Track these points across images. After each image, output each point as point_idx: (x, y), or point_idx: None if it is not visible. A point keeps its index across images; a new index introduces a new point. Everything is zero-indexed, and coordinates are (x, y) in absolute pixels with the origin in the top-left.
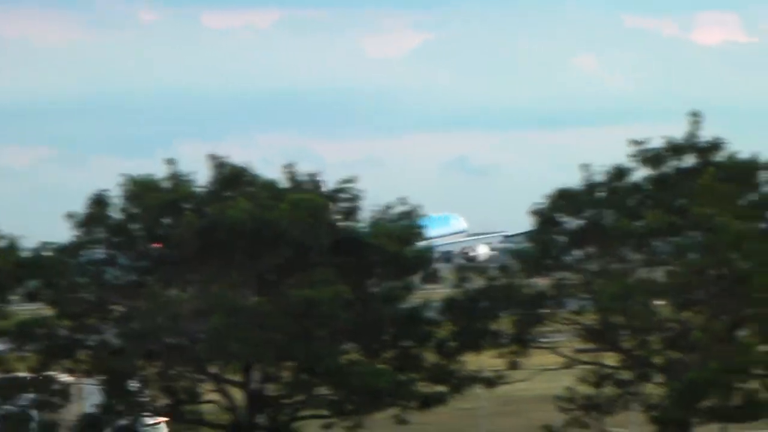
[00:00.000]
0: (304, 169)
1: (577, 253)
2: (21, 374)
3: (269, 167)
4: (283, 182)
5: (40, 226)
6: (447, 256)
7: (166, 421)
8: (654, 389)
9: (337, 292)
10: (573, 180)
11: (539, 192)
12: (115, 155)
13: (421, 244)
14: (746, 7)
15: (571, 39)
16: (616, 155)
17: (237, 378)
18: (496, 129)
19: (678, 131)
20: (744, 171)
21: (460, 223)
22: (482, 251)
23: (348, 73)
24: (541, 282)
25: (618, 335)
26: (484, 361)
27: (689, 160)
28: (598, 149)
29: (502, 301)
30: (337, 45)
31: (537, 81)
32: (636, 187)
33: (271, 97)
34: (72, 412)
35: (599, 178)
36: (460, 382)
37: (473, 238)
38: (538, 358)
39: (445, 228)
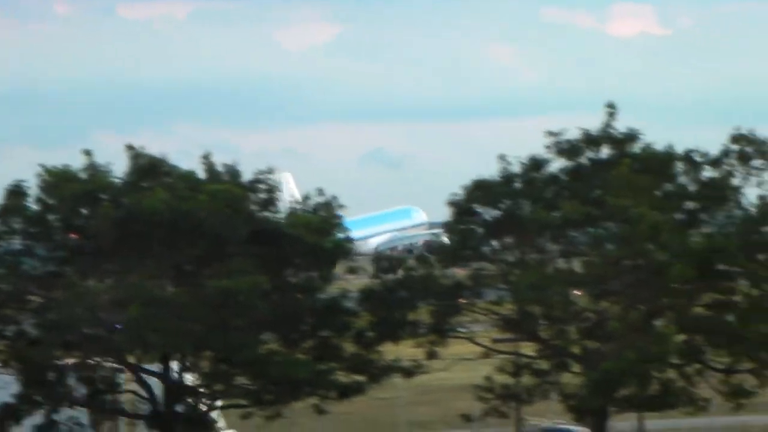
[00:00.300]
0: (221, 160)
1: (494, 244)
2: None
3: (186, 158)
4: (201, 173)
5: None
6: (409, 248)
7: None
8: (571, 379)
9: (255, 282)
10: (490, 171)
11: (456, 183)
12: (31, 147)
13: (341, 235)
14: (661, 0)
15: (487, 31)
16: (533, 146)
17: (155, 368)
18: (412, 120)
19: (594, 123)
20: (660, 162)
21: (420, 216)
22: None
23: (264, 65)
24: (459, 273)
25: (535, 325)
26: (402, 351)
27: (605, 152)
28: (515, 140)
29: (420, 291)
30: (253, 36)
31: (453, 72)
32: (552, 178)
33: (187, 89)
34: None
35: (516, 169)
36: (379, 372)
37: (434, 230)
38: (456, 348)
39: (406, 221)
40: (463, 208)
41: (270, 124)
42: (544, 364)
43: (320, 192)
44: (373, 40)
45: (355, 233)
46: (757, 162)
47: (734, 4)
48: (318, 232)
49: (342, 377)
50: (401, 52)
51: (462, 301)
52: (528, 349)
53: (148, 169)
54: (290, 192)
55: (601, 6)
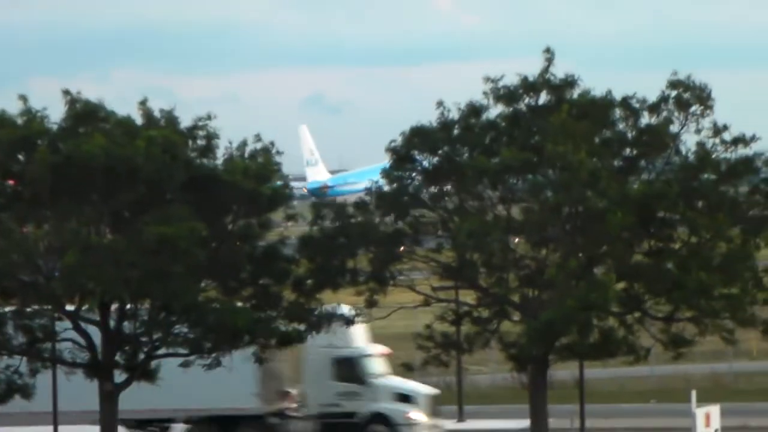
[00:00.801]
0: (159, 105)
1: (433, 191)
2: None
3: (124, 104)
4: (139, 119)
5: None
6: None
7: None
8: (511, 327)
9: (193, 228)
10: (429, 117)
11: (395, 129)
12: None
13: (278, 181)
14: None
15: None
16: (472, 92)
17: (94, 316)
18: (351, 65)
19: (532, 68)
20: (598, 108)
21: None
22: None
23: (203, 9)
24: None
25: (475, 273)
26: (342, 299)
27: (544, 98)
28: (456, 86)
29: (359, 238)
30: None
31: (391, 18)
32: (491, 124)
33: (124, 34)
34: None
35: (454, 115)
36: (319, 320)
37: None
38: (395, 296)
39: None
40: (401, 155)
41: (209, 70)
42: (484, 313)
43: (258, 138)
44: None
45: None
46: (695, 108)
47: None
48: (256, 178)
49: (281, 325)
50: None
51: (401, 248)
52: (468, 297)
53: (85, 114)
54: (307, 145)
55: None
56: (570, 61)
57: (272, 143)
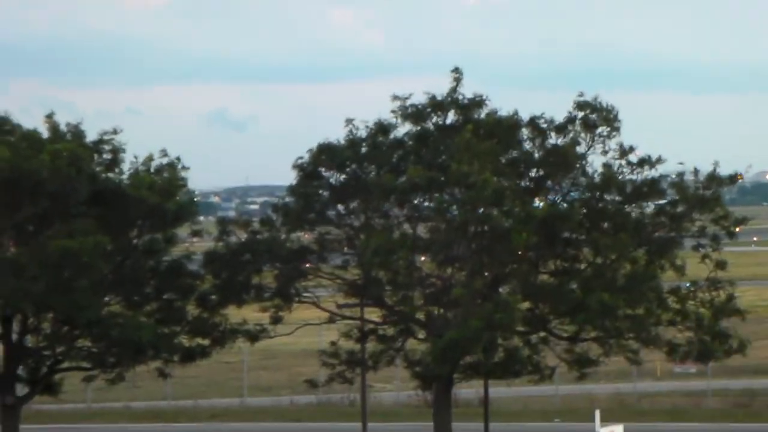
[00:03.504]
0: (64, 119)
1: (340, 208)
2: None
3: (27, 117)
4: (45, 132)
5: None
6: None
7: None
8: (417, 345)
9: (98, 242)
10: (335, 134)
11: (300, 145)
12: None
13: (185, 197)
14: None
15: None
16: (380, 110)
17: None
18: (255, 82)
19: (440, 87)
20: (505, 128)
21: None
22: None
23: (106, 24)
24: (304, 236)
25: (381, 290)
26: (247, 315)
27: (452, 117)
28: (362, 103)
29: (264, 254)
30: None
31: (294, 35)
32: (398, 142)
33: (26, 45)
34: None
35: (362, 132)
36: (223, 336)
37: None
38: (301, 313)
39: None
40: (308, 172)
41: (113, 84)
42: (389, 330)
43: (164, 153)
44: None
45: None
46: (602, 129)
47: None
48: (161, 193)
49: (185, 340)
50: (245, 13)
51: (307, 265)
52: (373, 314)
53: None
54: None
55: None
56: (479, 81)
57: (178, 158)
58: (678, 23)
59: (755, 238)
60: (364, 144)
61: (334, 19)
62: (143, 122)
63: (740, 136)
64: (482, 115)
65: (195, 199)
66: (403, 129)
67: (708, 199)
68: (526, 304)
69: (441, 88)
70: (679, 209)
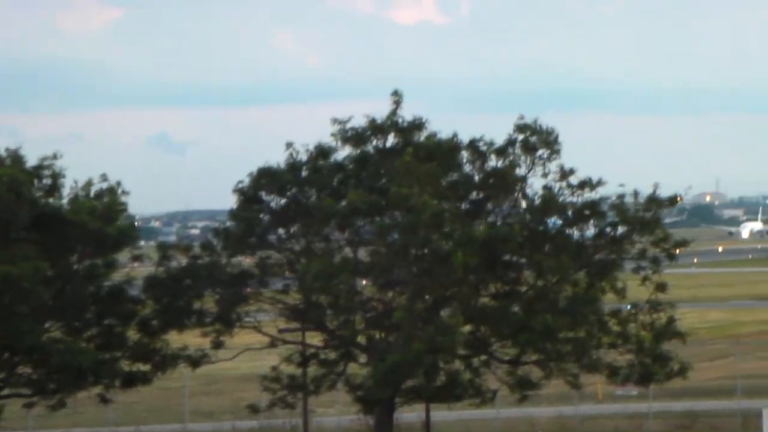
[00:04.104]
0: (4, 144)
1: (281, 232)
2: None
3: None
4: None
5: None
6: None
7: None
8: (358, 369)
9: (38, 268)
10: (276, 157)
11: (242, 170)
12: None
13: (126, 222)
14: None
15: (270, 16)
16: (320, 133)
17: None
18: (195, 105)
19: (380, 109)
20: (444, 151)
21: None
22: None
23: (46, 48)
24: (245, 261)
25: (322, 315)
26: (188, 340)
27: (392, 140)
28: (303, 126)
29: (205, 279)
30: (31, 18)
31: (234, 58)
32: (339, 166)
33: None
34: None
35: (302, 156)
36: (164, 361)
37: None
38: (242, 338)
39: None
40: (248, 196)
41: (54, 109)
42: (330, 355)
43: (104, 178)
44: (155, 24)
45: None
46: (542, 152)
47: None
48: (102, 218)
49: (126, 366)
50: (185, 36)
51: (248, 289)
52: (314, 338)
53: None
54: None
55: None
56: (419, 104)
57: (119, 183)
58: (621, 47)
59: (696, 260)
60: (304, 168)
61: (275, 42)
62: (86, 147)
63: (680, 158)
64: (422, 138)
65: (135, 224)
66: (344, 152)
67: (648, 221)
68: (467, 327)
69: (382, 111)
70: (620, 231)
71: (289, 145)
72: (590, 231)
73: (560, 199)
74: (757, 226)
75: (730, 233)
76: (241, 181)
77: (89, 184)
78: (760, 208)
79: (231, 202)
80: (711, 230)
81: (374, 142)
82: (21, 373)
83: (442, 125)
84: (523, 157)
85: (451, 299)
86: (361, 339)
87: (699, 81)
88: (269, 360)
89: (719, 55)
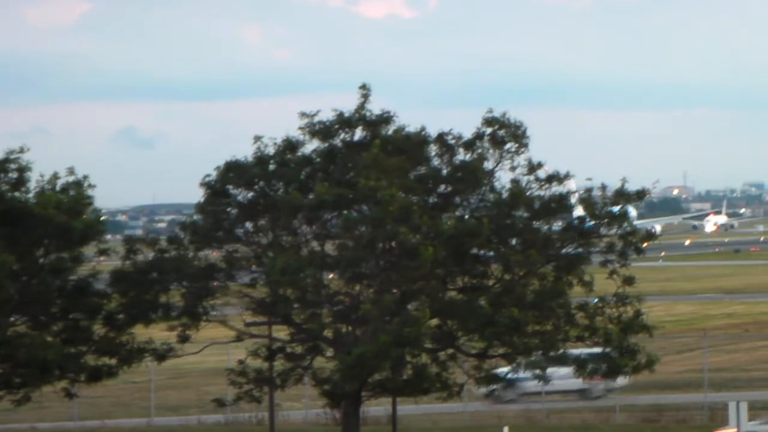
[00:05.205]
0: None
1: (248, 226)
2: None
3: None
4: None
5: None
6: None
7: None
8: (325, 363)
9: (3, 262)
10: (244, 151)
11: (210, 163)
12: None
13: (92, 216)
14: None
15: (237, 11)
16: (288, 127)
17: None
18: (162, 100)
19: (348, 103)
20: (413, 144)
21: None
22: None
23: (11, 42)
24: (212, 254)
25: (289, 308)
26: (154, 334)
27: (359, 133)
28: (271, 120)
29: (172, 273)
30: None
31: (202, 52)
32: (306, 159)
33: None
34: None
35: (270, 150)
36: (130, 355)
37: None
38: (208, 332)
39: None
40: (215, 189)
41: (19, 102)
42: (297, 349)
43: (71, 171)
44: (122, 18)
45: None
46: (510, 145)
47: None
48: (68, 212)
49: (92, 360)
50: (152, 31)
51: (215, 283)
52: (281, 332)
53: None
54: None
55: None
56: (387, 98)
57: (85, 177)
58: (591, 41)
59: (663, 253)
60: (272, 161)
61: (243, 36)
62: (52, 141)
63: (648, 152)
64: (390, 132)
65: (102, 218)
66: (311, 146)
67: (615, 214)
68: (434, 321)
69: (350, 104)
70: (587, 225)
71: (257, 138)
72: (558, 224)
73: (528, 193)
74: (721, 219)
75: (694, 227)
76: (208, 175)
77: (55, 177)
78: (725, 202)
79: (198, 195)
80: (680, 224)
81: (342, 136)
82: None
83: (410, 119)
84: (491, 151)
85: (419, 293)
86: (328, 333)
87: (668, 76)
88: (236, 354)
89: (688, 51)
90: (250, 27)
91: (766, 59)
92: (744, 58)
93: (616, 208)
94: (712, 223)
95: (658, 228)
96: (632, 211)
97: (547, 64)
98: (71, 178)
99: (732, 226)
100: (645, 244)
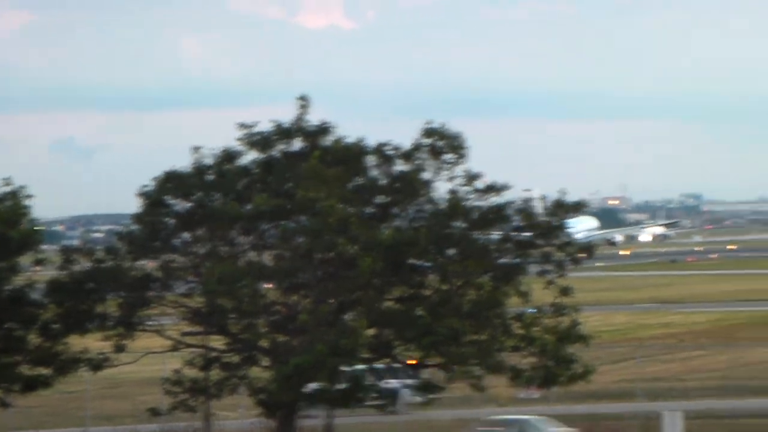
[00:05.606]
0: None
1: (186, 236)
2: None
3: None
4: None
5: None
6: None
7: None
8: (261, 373)
9: None
10: (183, 162)
11: (148, 174)
12: None
13: (29, 225)
14: None
15: (177, 22)
16: (228, 138)
17: None
18: (103, 111)
19: (287, 114)
20: (351, 155)
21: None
22: None
23: None
24: (149, 264)
25: (225, 318)
26: (90, 344)
27: (297, 144)
28: (212, 131)
29: (108, 283)
30: None
31: (143, 63)
32: (245, 170)
33: None
34: None
35: (209, 160)
36: (65, 365)
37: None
38: (144, 341)
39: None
40: (153, 199)
41: None
42: (233, 358)
43: (7, 181)
44: (64, 29)
45: None
46: (448, 156)
47: None
48: (5, 222)
49: (27, 370)
50: (93, 41)
51: (151, 293)
52: (217, 342)
53: None
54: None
55: None
56: (327, 109)
57: (22, 187)
58: (531, 52)
59: (599, 264)
60: (210, 172)
61: (184, 48)
62: None
63: (587, 163)
64: (329, 143)
65: (39, 228)
66: (250, 157)
67: (553, 225)
68: (371, 331)
69: (290, 115)
70: (525, 235)
71: (195, 149)
72: (496, 235)
73: (466, 203)
74: (658, 230)
75: (631, 238)
76: (146, 185)
77: None
78: (664, 212)
79: (136, 206)
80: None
81: (281, 147)
82: None
83: (349, 130)
84: (429, 162)
85: (356, 303)
86: (264, 343)
87: (606, 87)
88: (172, 364)
89: (627, 62)
90: (190, 38)
91: (703, 71)
92: (683, 70)
93: (574, 220)
94: (648, 234)
95: (620, 238)
96: (593, 222)
97: (487, 74)
98: (8, 189)
99: (667, 237)
100: (582, 255)
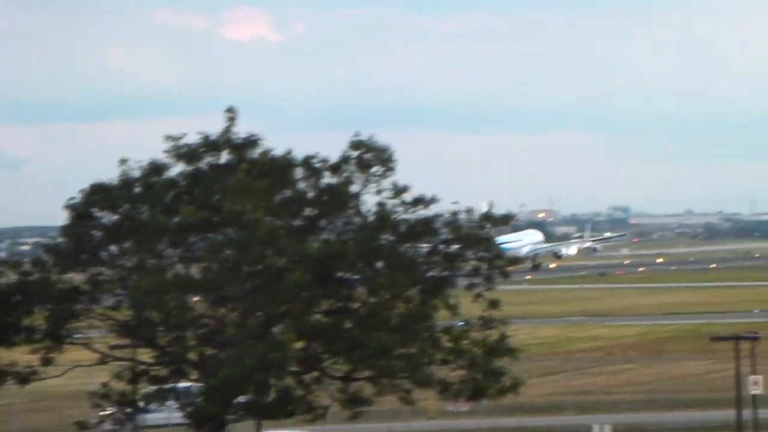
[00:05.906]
0: None
1: (113, 249)
2: None
3: None
4: None
5: None
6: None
7: None
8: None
9: None
10: (110, 174)
11: (75, 186)
12: None
13: None
14: (276, 6)
15: (102, 32)
16: (155, 150)
17: None
18: (30, 123)
19: (215, 126)
20: (278, 168)
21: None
22: None
23: None
24: (76, 277)
25: (153, 331)
26: (16, 357)
27: (225, 156)
28: (139, 143)
29: (35, 295)
30: None
31: (68, 74)
32: (172, 182)
33: None
34: None
35: (136, 173)
36: None
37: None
38: (72, 355)
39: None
40: (80, 212)
41: None
42: (161, 371)
43: None
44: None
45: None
46: (376, 169)
47: (345, 10)
48: None
49: None
50: (18, 51)
51: (79, 306)
52: (146, 355)
53: None
54: None
55: (216, 9)
56: (254, 121)
57: None
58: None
59: (528, 276)
60: (137, 184)
61: (109, 59)
62: None
63: (515, 175)
64: (256, 155)
65: None
66: (178, 169)
67: (481, 237)
68: (299, 344)
69: (217, 128)
70: (453, 248)
71: (122, 161)
72: (424, 248)
73: (394, 216)
74: (586, 243)
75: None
76: (72, 198)
77: None
78: (589, 225)
79: (63, 218)
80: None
81: (208, 159)
82: None
83: (277, 142)
84: (357, 174)
85: (284, 315)
86: (192, 355)
87: (533, 100)
88: (99, 377)
89: (555, 75)
90: (116, 49)
91: (626, 82)
92: (612, 81)
93: (520, 233)
94: (574, 247)
95: (566, 251)
96: (539, 236)
97: (415, 86)
98: None
99: (595, 250)
100: (510, 268)
